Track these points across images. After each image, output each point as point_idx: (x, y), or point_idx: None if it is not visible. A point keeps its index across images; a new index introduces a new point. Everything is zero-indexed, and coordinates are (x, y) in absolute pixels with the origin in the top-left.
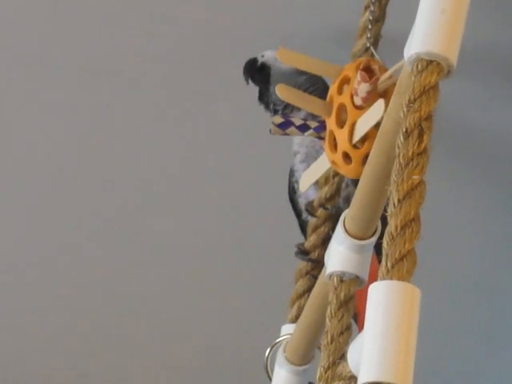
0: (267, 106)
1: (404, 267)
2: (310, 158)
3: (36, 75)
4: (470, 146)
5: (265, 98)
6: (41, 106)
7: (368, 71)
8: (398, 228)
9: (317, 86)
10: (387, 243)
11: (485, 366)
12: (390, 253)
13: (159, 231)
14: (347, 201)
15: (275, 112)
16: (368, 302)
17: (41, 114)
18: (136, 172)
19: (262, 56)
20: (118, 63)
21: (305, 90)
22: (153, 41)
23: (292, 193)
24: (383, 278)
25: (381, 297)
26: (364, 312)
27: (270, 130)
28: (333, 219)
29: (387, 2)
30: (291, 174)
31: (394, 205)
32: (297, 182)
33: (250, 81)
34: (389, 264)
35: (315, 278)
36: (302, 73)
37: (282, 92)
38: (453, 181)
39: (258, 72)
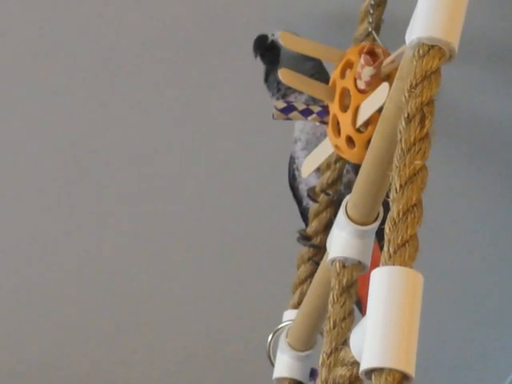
0: (271, 87)
1: (406, 253)
2: (311, 145)
3: (33, 72)
4: (470, 134)
5: (271, 77)
6: (39, 103)
7: (371, 55)
8: (400, 213)
9: (322, 74)
10: (389, 229)
11: (485, 354)
12: (392, 238)
13: (160, 224)
14: (348, 187)
15: (278, 91)
16: (370, 287)
17: (38, 112)
18: (137, 166)
19: (273, 35)
20: (115, 57)
21: (311, 76)
22: (152, 32)
23: (292, 180)
24: (385, 264)
25: (383, 282)
26: (366, 298)
27: (273, 115)
28: (334, 205)
29: None
30: (291, 161)
31: (396, 190)
32: (297, 169)
33: (258, 58)
34: (391, 249)
35: (317, 263)
36: (309, 58)
37: (285, 76)
38: (452, 169)
39: (267, 50)
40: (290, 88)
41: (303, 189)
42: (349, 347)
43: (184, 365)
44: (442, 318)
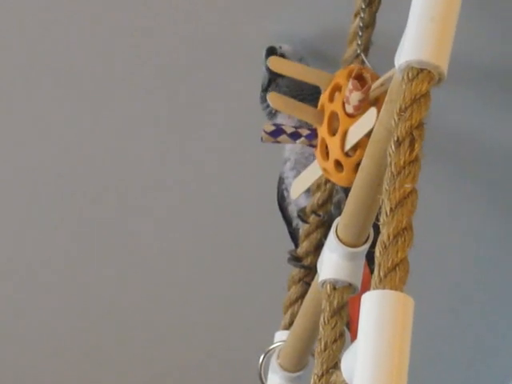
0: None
1: (397, 276)
2: (300, 165)
3: (30, 77)
4: (460, 153)
5: (272, 86)
6: (36, 109)
7: (360, 79)
8: (391, 237)
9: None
10: (379, 252)
11: (476, 374)
12: (383, 262)
13: (156, 235)
14: (338, 207)
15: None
16: (361, 311)
17: (37, 117)
18: (134, 174)
19: (280, 47)
20: (112, 66)
21: (311, 94)
22: (148, 42)
23: (281, 200)
24: (376, 288)
25: (373, 307)
26: (357, 320)
27: (262, 138)
28: (325, 226)
29: (377, 8)
30: (280, 181)
31: (386, 214)
32: (286, 189)
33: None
34: (381, 273)
35: (308, 284)
36: None
37: (273, 100)
38: (444, 187)
39: None
40: None
41: (292, 209)
42: (340, 370)
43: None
44: (431, 339)
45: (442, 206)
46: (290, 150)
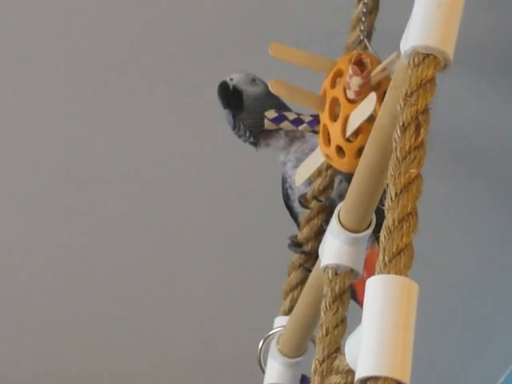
0: (240, 132)
1: (401, 261)
2: (301, 162)
3: (30, 73)
4: (462, 142)
5: (239, 124)
6: (35, 102)
7: (360, 65)
8: (396, 222)
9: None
10: (384, 237)
11: (476, 359)
12: (388, 247)
13: (156, 227)
14: (341, 197)
15: (253, 137)
16: (365, 296)
17: (37, 111)
18: (135, 167)
19: (231, 79)
20: (113, 59)
21: None
22: (148, 36)
23: (287, 198)
24: (381, 272)
25: (378, 291)
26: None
27: (264, 125)
28: (326, 211)
29: None
30: (284, 181)
31: (392, 199)
32: (291, 187)
33: (226, 107)
34: (386, 258)
35: (308, 270)
36: (273, 96)
37: (275, 87)
38: (443, 176)
39: (231, 96)
40: (262, 133)
41: (298, 206)
42: (343, 355)
43: (173, 370)
44: (431, 326)
45: (442, 195)
46: (285, 154)
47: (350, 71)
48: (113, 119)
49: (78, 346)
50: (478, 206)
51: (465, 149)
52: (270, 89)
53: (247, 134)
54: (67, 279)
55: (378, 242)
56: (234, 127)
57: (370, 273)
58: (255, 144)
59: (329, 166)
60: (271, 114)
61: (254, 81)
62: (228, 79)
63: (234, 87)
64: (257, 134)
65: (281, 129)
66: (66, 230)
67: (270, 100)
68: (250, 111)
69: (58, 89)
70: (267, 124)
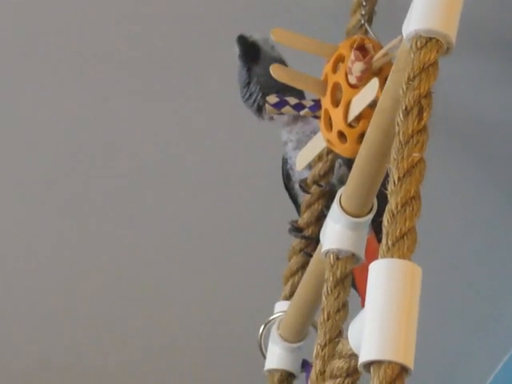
0: (253, 90)
1: (405, 245)
2: (302, 144)
3: (26, 68)
4: (457, 128)
5: (253, 78)
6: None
7: (362, 50)
8: (399, 206)
9: None
10: (387, 221)
11: (473, 348)
12: (391, 231)
13: (152, 214)
14: (341, 182)
15: (262, 96)
16: (368, 280)
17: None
18: (130, 162)
19: (251, 36)
20: (103, 48)
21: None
22: (141, 22)
23: (287, 180)
24: (384, 257)
25: (381, 275)
26: (365, 288)
27: (266, 110)
28: (326, 196)
29: None
30: (284, 161)
31: (395, 183)
32: (291, 168)
33: (243, 58)
34: (389, 242)
35: (309, 255)
36: (285, 65)
37: (276, 71)
38: (438, 164)
39: (249, 47)
40: (272, 91)
41: (298, 188)
42: (347, 339)
43: (175, 355)
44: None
45: (444, 181)
46: (288, 132)
47: (352, 56)
48: (112, 116)
49: (73, 340)
50: (480, 193)
51: (467, 133)
52: (272, 74)
53: (258, 89)
54: (63, 268)
55: (374, 228)
56: (247, 84)
57: (368, 258)
58: (260, 111)
59: (329, 151)
60: (272, 98)
61: (272, 47)
62: (248, 35)
63: (253, 42)
64: (266, 95)
65: (282, 113)
66: (62, 225)
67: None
68: (265, 67)
69: (56, 85)
70: (268, 109)
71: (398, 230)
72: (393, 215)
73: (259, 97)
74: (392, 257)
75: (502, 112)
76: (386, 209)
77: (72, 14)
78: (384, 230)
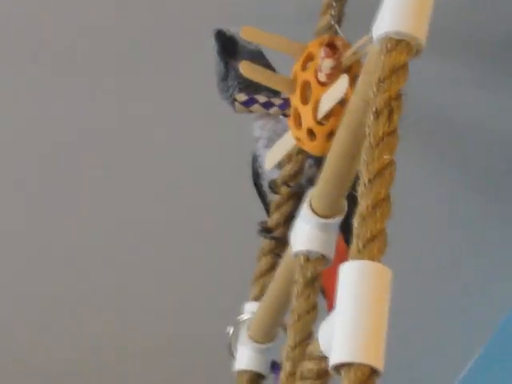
0: (231, 84)
1: (375, 247)
2: (273, 142)
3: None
4: (435, 129)
5: (231, 72)
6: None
7: (332, 47)
8: (369, 208)
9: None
10: (358, 223)
11: (448, 345)
12: (361, 233)
13: (124, 221)
14: (310, 182)
15: (239, 89)
16: (339, 282)
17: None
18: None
19: (228, 30)
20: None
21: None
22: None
23: (256, 178)
24: (354, 258)
25: (352, 277)
26: (333, 289)
27: (235, 108)
28: (296, 197)
29: None
30: (254, 159)
31: (365, 185)
32: (260, 166)
33: (220, 53)
34: (360, 244)
35: (278, 256)
36: (264, 57)
37: (245, 69)
38: (416, 162)
39: (227, 42)
40: (249, 85)
41: (267, 185)
42: (317, 341)
43: (143, 358)
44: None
45: (415, 180)
46: (261, 128)
47: (322, 53)
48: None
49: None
50: (452, 192)
51: (439, 133)
52: (242, 71)
53: (236, 83)
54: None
55: (342, 229)
56: (225, 78)
57: (335, 260)
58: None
59: (299, 152)
60: (242, 97)
61: (249, 42)
62: (225, 29)
63: (231, 36)
64: (243, 88)
65: (251, 112)
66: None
67: (262, 58)
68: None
69: (47, 81)
70: (238, 107)
71: (369, 232)
72: (363, 217)
73: (236, 91)
74: (362, 259)
75: (474, 112)
76: (357, 211)
77: (67, 14)
78: (354, 232)
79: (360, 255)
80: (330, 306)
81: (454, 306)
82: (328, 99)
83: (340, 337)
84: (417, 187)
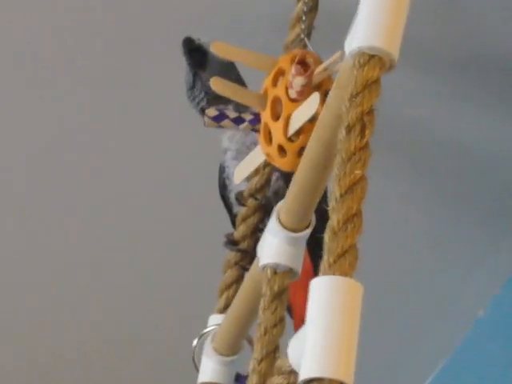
0: (197, 94)
1: (346, 262)
2: (242, 154)
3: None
4: (400, 140)
5: (198, 83)
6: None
7: (303, 64)
8: (340, 223)
9: (243, 85)
10: (329, 238)
11: (413, 357)
12: (332, 248)
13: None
14: (277, 194)
15: (206, 100)
16: (310, 296)
17: None
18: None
19: (199, 39)
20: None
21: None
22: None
23: (223, 189)
24: (325, 273)
25: (323, 292)
26: (299, 306)
27: (205, 123)
28: (262, 210)
29: None
30: (221, 170)
31: (336, 199)
32: (228, 178)
33: (189, 63)
34: (331, 259)
35: (244, 268)
36: (234, 67)
37: (216, 85)
38: (380, 175)
39: (195, 51)
40: (218, 96)
41: (233, 197)
42: (286, 356)
43: (110, 367)
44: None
45: (379, 196)
46: (229, 139)
47: (293, 71)
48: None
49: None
50: (416, 200)
51: (413, 142)
52: (212, 87)
53: (202, 95)
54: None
55: (308, 244)
56: (192, 87)
57: (301, 275)
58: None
59: (266, 165)
60: (212, 111)
61: None
62: (196, 38)
63: (200, 45)
64: (211, 100)
65: (221, 127)
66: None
67: (232, 70)
68: (212, 72)
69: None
70: (208, 122)
71: (340, 247)
72: (334, 232)
73: (203, 102)
74: (334, 274)
75: (445, 125)
76: (328, 225)
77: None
78: (325, 247)
79: (331, 270)
80: (297, 323)
81: (417, 322)
82: (299, 116)
83: (310, 352)
84: (390, 202)
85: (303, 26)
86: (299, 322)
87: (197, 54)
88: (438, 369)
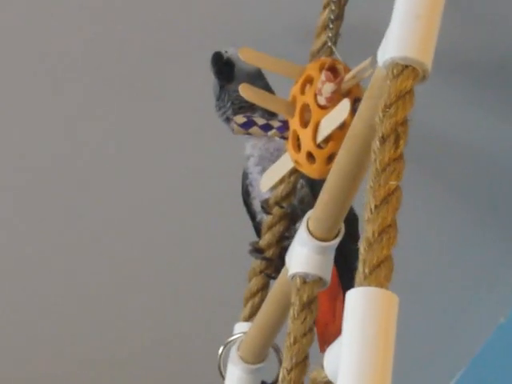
0: (223, 104)
1: (382, 273)
2: (264, 160)
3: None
4: (419, 148)
5: (224, 94)
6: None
7: (333, 71)
8: (376, 234)
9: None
10: (364, 249)
11: (430, 363)
12: (368, 259)
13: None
14: (302, 202)
15: (232, 111)
16: (345, 308)
17: None
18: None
19: (226, 52)
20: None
21: None
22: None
23: (246, 196)
24: (361, 285)
25: (359, 304)
26: (321, 311)
27: (233, 130)
28: (288, 218)
29: (346, 0)
30: (245, 176)
31: (371, 211)
32: (251, 184)
33: (217, 77)
34: (366, 270)
35: (269, 276)
36: (262, 77)
37: (245, 91)
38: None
39: (224, 66)
40: (243, 106)
41: (257, 204)
42: (322, 366)
43: (136, 376)
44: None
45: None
46: (252, 146)
47: (323, 77)
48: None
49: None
50: (437, 210)
51: (422, 150)
52: (241, 94)
53: (228, 105)
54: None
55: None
56: (219, 98)
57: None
58: (229, 122)
59: (292, 173)
60: (240, 119)
61: None
62: (223, 51)
63: (228, 59)
64: (237, 109)
65: (250, 134)
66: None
67: (260, 80)
68: (239, 82)
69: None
70: (236, 129)
71: (375, 258)
72: (369, 243)
73: (228, 108)
74: (369, 285)
75: (467, 135)
76: (363, 237)
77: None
78: (360, 258)
79: (366, 281)
80: (319, 330)
81: (441, 328)
82: (329, 123)
83: (347, 364)
84: (421, 213)
85: (330, 34)
86: (321, 328)
87: (224, 68)
88: (459, 373)
